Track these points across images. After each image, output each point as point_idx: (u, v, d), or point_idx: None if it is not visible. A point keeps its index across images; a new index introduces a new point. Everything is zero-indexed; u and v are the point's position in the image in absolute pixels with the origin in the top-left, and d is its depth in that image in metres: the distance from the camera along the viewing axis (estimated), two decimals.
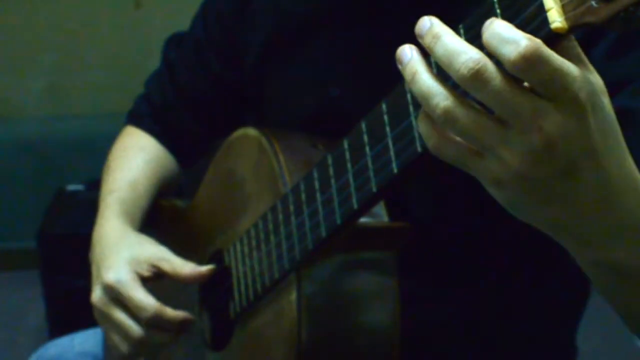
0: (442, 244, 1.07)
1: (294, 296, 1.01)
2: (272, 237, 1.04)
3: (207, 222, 1.22)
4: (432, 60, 0.67)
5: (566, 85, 0.63)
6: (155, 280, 1.15)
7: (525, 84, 0.64)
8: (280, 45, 1.15)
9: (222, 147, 1.20)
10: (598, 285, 0.77)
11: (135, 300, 1.12)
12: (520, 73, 0.62)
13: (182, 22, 1.37)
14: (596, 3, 0.62)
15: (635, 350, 2.07)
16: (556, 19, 0.63)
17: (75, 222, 2.51)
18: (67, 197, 2.66)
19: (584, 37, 0.79)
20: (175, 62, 1.32)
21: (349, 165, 0.91)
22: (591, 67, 0.67)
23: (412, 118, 0.78)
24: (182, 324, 1.13)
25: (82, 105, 3.03)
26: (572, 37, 0.66)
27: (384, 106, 0.83)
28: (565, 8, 0.63)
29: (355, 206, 0.90)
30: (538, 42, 0.62)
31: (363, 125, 0.88)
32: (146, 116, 1.33)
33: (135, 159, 1.30)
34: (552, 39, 0.64)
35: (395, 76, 0.79)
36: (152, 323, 1.12)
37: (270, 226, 1.04)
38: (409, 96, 0.79)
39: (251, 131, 1.13)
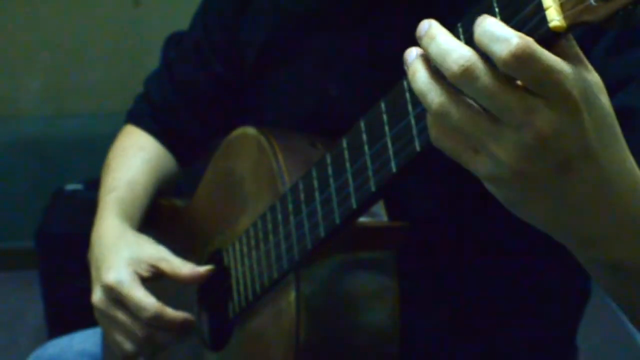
0: (441, 244, 1.06)
1: (292, 296, 1.01)
2: (271, 237, 1.04)
3: (206, 222, 1.22)
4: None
5: (558, 83, 0.63)
6: (155, 281, 1.15)
7: (519, 82, 0.64)
8: (280, 45, 1.15)
9: (221, 147, 1.19)
10: (601, 283, 0.77)
11: (136, 300, 1.12)
12: (512, 70, 0.63)
13: (182, 20, 1.37)
14: (595, 1, 0.62)
15: (635, 349, 2.08)
16: (555, 17, 0.63)
17: (74, 222, 2.51)
18: (66, 197, 2.66)
19: (583, 36, 0.79)
20: (175, 61, 1.32)
21: (347, 164, 0.91)
22: (589, 66, 0.67)
23: (411, 117, 0.78)
24: (183, 324, 1.13)
25: (81, 105, 3.03)
26: (570, 36, 0.66)
27: (382, 105, 0.83)
28: (563, 7, 0.63)
29: (354, 205, 0.90)
30: (529, 39, 0.62)
31: (362, 125, 0.88)
32: (145, 115, 1.33)
33: (134, 159, 1.29)
34: (551, 37, 0.64)
35: (394, 76, 0.79)
36: (153, 323, 1.12)
37: (269, 226, 1.04)
38: (407, 95, 0.79)
39: (250, 130, 1.13)
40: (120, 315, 1.13)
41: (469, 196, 0.99)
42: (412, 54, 0.69)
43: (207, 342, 1.20)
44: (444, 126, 0.68)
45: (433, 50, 0.66)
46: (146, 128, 1.33)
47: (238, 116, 1.25)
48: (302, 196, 0.98)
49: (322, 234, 0.95)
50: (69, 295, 2.36)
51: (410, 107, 0.78)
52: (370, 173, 0.87)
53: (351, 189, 0.90)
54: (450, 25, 0.68)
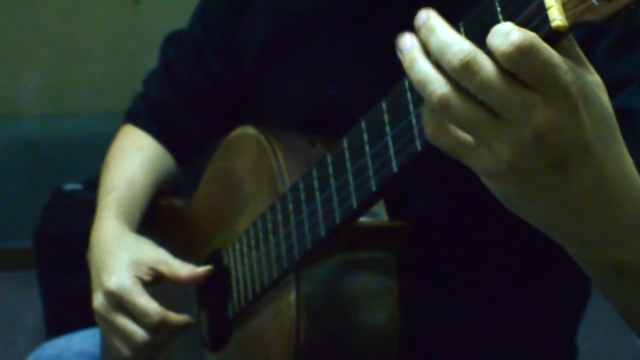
0: (441, 244, 1.06)
1: (292, 296, 1.01)
2: (271, 237, 1.04)
3: (205, 222, 1.22)
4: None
5: (556, 77, 0.63)
6: (156, 284, 1.15)
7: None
8: (279, 45, 1.15)
9: (220, 146, 1.19)
10: (598, 285, 0.77)
11: (139, 307, 1.11)
12: (511, 63, 0.63)
13: (181, 19, 1.37)
14: (597, 1, 0.62)
15: (636, 350, 2.07)
16: (557, 17, 0.63)
17: (73, 222, 2.50)
18: (65, 196, 2.66)
19: (585, 36, 0.79)
20: (174, 60, 1.32)
21: (348, 164, 0.90)
22: (590, 67, 0.67)
23: (412, 117, 0.78)
24: (185, 328, 1.13)
25: (79, 104, 3.03)
26: (572, 37, 0.66)
27: (383, 105, 0.83)
28: (565, 6, 0.63)
29: (355, 205, 0.90)
30: (530, 33, 0.62)
31: (363, 124, 0.87)
32: (144, 115, 1.33)
33: (132, 159, 1.29)
34: (553, 37, 0.64)
35: (394, 76, 0.79)
36: (157, 328, 1.11)
37: (269, 226, 1.04)
38: (409, 94, 0.79)
39: (250, 130, 1.12)
40: (121, 321, 1.13)
41: (469, 196, 0.99)
42: (408, 41, 0.69)
43: (206, 343, 1.19)
44: (441, 121, 0.68)
45: (433, 42, 0.66)
46: (145, 128, 1.33)
47: (237, 116, 1.25)
48: (302, 196, 0.98)
49: (323, 233, 0.95)
50: (67, 296, 2.36)
51: (411, 107, 0.78)
52: (371, 173, 0.86)
53: (352, 188, 0.90)
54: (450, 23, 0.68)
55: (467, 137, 0.67)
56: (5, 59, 2.97)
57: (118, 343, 1.14)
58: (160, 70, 1.34)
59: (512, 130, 0.65)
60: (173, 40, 1.36)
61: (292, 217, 1.00)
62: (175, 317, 1.12)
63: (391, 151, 0.82)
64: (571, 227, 0.70)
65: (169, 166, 1.32)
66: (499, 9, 0.66)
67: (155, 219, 1.28)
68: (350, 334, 1.02)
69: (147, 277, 1.14)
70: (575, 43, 0.66)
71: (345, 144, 0.91)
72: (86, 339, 1.39)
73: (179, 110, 1.31)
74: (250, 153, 1.11)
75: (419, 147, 0.78)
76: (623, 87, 0.88)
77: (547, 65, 0.63)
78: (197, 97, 1.29)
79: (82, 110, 3.03)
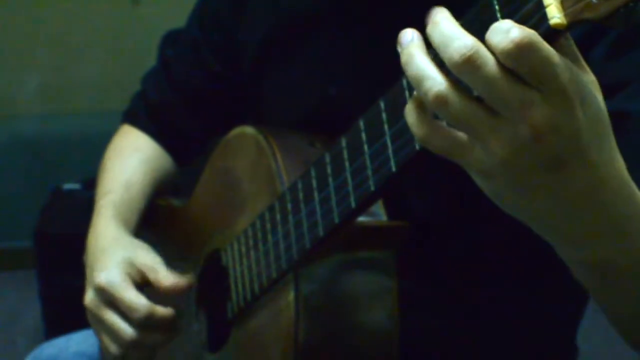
0: (441, 243, 1.06)
1: (291, 296, 1.01)
2: (269, 237, 1.04)
3: (204, 222, 1.21)
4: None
5: (555, 75, 0.63)
6: (142, 288, 1.14)
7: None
8: (278, 44, 1.15)
9: (219, 146, 1.19)
10: (585, 283, 0.77)
11: (127, 301, 1.11)
12: (511, 60, 0.63)
13: (180, 18, 1.36)
14: None
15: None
16: (555, 15, 0.63)
17: (71, 221, 2.49)
18: (64, 196, 2.65)
19: (583, 37, 0.79)
20: (172, 60, 1.32)
21: (346, 163, 0.90)
22: (587, 67, 0.67)
23: None
24: (174, 323, 1.13)
25: (78, 103, 3.03)
26: (569, 35, 0.66)
27: (382, 104, 0.83)
28: (564, 4, 0.63)
29: (353, 205, 0.90)
30: (530, 31, 0.62)
31: (361, 124, 0.87)
32: (142, 115, 1.33)
33: (130, 159, 1.29)
34: (551, 35, 0.64)
35: (394, 75, 0.79)
36: (145, 324, 1.11)
37: (268, 225, 1.04)
38: (407, 93, 0.78)
39: (248, 130, 1.12)
40: (109, 317, 1.13)
41: (468, 196, 0.99)
42: (408, 35, 0.69)
43: (205, 343, 1.19)
44: (432, 122, 0.68)
45: (435, 36, 0.66)
46: (143, 128, 1.32)
47: (236, 115, 1.25)
48: (300, 195, 0.98)
49: (321, 233, 0.95)
50: (66, 296, 2.34)
51: None
52: (369, 172, 0.86)
53: (350, 188, 0.90)
54: None
55: (461, 135, 0.67)
56: (5, 58, 2.97)
57: (107, 340, 1.14)
58: (159, 70, 1.33)
59: (510, 128, 0.65)
60: (171, 40, 1.36)
61: (290, 217, 1.00)
62: (162, 310, 1.11)
63: (389, 150, 0.82)
64: (561, 225, 0.70)
65: (167, 166, 1.32)
66: (497, 7, 0.66)
67: (153, 219, 1.28)
68: (350, 334, 1.02)
69: (136, 279, 1.14)
70: (572, 42, 0.66)
71: (343, 144, 0.91)
72: (85, 339, 1.39)
73: (178, 110, 1.30)
74: (248, 153, 1.11)
75: (417, 147, 0.78)
76: (620, 89, 0.88)
77: (547, 63, 0.63)
78: (195, 96, 1.29)
79: (81, 110, 3.02)
